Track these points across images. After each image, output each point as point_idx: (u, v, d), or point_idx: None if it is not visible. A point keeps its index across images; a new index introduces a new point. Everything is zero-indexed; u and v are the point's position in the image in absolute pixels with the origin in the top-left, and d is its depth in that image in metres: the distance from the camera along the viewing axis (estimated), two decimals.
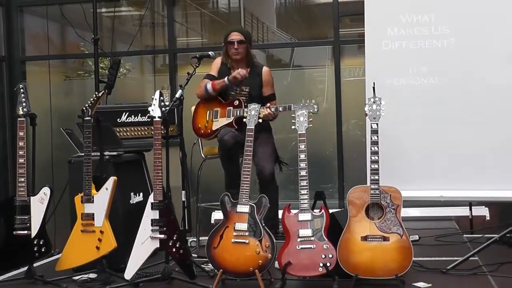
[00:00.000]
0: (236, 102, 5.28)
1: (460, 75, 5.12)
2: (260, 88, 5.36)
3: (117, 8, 7.73)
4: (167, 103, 4.54)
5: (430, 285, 4.20)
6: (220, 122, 5.32)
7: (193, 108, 5.59)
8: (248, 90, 5.32)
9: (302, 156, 4.30)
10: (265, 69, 5.43)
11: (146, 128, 5.58)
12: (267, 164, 5.16)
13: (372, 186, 4.18)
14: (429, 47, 5.17)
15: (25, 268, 4.63)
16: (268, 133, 5.37)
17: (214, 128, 5.31)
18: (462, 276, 4.41)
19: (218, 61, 5.44)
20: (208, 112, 5.39)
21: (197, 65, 5.10)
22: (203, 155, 5.68)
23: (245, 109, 4.99)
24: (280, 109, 5.10)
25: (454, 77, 5.13)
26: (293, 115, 4.39)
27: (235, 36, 5.35)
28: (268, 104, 5.19)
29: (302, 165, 4.28)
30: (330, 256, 4.16)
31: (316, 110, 4.67)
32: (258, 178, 5.17)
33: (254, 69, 5.39)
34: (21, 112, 4.65)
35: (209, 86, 5.34)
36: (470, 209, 5.99)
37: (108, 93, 6.25)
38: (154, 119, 4.44)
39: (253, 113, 4.50)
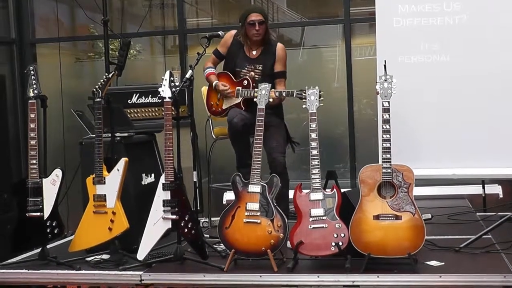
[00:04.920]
0: (245, 82, 5.24)
1: (472, 52, 5.07)
2: (273, 66, 5.32)
3: None
4: (177, 84, 4.53)
5: (443, 263, 4.20)
6: (229, 102, 5.29)
7: (203, 88, 5.58)
8: (262, 68, 5.28)
9: (313, 135, 4.28)
10: (279, 45, 5.37)
11: (156, 109, 5.57)
12: (279, 155, 5.12)
13: (384, 165, 4.17)
14: (441, 24, 5.12)
15: (39, 250, 4.65)
16: (280, 119, 5.31)
17: (224, 107, 5.30)
18: (475, 254, 4.39)
19: (228, 37, 5.38)
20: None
21: (207, 45, 5.08)
22: (213, 136, 5.67)
23: (254, 90, 5.00)
24: (284, 94, 5.05)
25: (466, 54, 5.08)
26: (304, 94, 4.37)
27: (256, 17, 5.24)
28: (273, 90, 5.11)
29: (314, 144, 4.27)
30: (342, 235, 4.15)
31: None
32: (270, 168, 5.15)
33: (269, 47, 5.34)
34: (31, 94, 4.65)
35: (205, 74, 5.34)
36: (483, 187, 5.97)
37: (118, 74, 6.24)
38: (165, 100, 4.43)
39: (263, 93, 4.48)
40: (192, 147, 5.00)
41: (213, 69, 5.37)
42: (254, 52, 5.31)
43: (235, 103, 5.24)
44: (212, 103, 5.38)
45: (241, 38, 5.33)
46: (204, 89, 5.54)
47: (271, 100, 4.50)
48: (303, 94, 4.56)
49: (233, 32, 5.37)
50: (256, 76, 5.24)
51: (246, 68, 5.27)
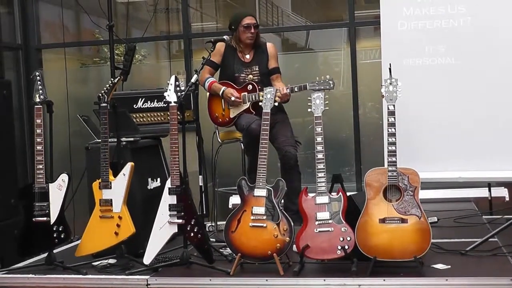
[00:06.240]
0: (250, 87, 5.30)
1: (476, 54, 5.07)
2: (267, 64, 5.38)
3: None
4: (182, 88, 4.54)
5: (449, 266, 4.19)
6: (236, 109, 5.32)
7: (207, 94, 5.59)
8: (258, 68, 5.35)
9: (319, 139, 4.28)
10: (269, 44, 5.50)
11: (162, 114, 5.60)
12: (290, 148, 5.17)
13: (390, 168, 4.16)
14: (445, 26, 5.13)
15: (45, 255, 4.66)
16: (285, 115, 5.38)
17: (232, 116, 5.33)
18: (481, 257, 4.38)
19: (220, 45, 5.39)
20: (222, 100, 5.38)
21: (212, 49, 5.10)
22: (219, 140, 5.68)
23: (260, 93, 5.01)
24: (296, 89, 5.10)
25: (470, 56, 5.09)
26: (309, 97, 4.37)
27: (251, 21, 5.34)
28: (283, 88, 5.16)
29: (319, 148, 4.26)
30: (348, 238, 4.15)
31: (332, 86, 4.67)
32: (282, 163, 5.17)
33: (260, 48, 5.41)
34: (37, 100, 4.66)
35: (206, 85, 5.37)
36: (489, 190, 5.95)
37: (124, 79, 6.27)
38: (170, 105, 4.44)
39: (269, 97, 4.49)
40: (198, 152, 5.01)
41: (213, 78, 5.42)
42: (247, 56, 5.41)
43: (243, 109, 5.27)
44: (217, 114, 5.41)
45: (233, 43, 5.38)
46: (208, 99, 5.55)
47: (276, 104, 4.51)
48: (317, 86, 4.60)
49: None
50: (255, 77, 5.31)
51: (244, 73, 5.34)
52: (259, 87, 5.23)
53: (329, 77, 4.70)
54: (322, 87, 4.78)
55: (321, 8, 8.05)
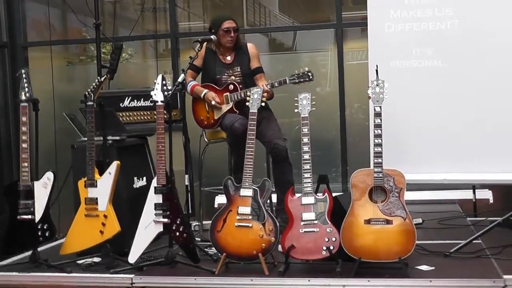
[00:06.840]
0: (231, 87, 5.30)
1: (464, 57, 5.08)
2: (249, 64, 5.39)
3: None
4: (169, 88, 4.53)
5: (433, 268, 4.21)
6: (220, 110, 5.32)
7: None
8: (240, 69, 5.35)
9: (305, 139, 4.29)
10: (249, 44, 5.49)
11: (149, 113, 5.58)
12: (279, 140, 5.18)
13: (376, 169, 4.18)
14: (433, 29, 5.13)
15: (30, 253, 4.65)
16: (270, 111, 5.38)
17: (216, 117, 5.33)
18: (465, 259, 4.41)
19: (202, 49, 5.39)
20: (206, 102, 5.39)
21: (199, 49, 5.11)
22: (206, 139, 5.67)
23: (242, 92, 5.04)
24: (276, 84, 5.10)
25: (458, 59, 5.09)
26: (296, 98, 4.38)
27: (231, 24, 5.32)
28: (264, 84, 5.16)
29: (305, 148, 4.28)
30: (334, 239, 4.16)
31: (311, 77, 4.69)
32: (273, 156, 5.17)
33: (240, 49, 5.41)
34: (23, 98, 4.65)
35: (189, 88, 5.36)
36: (474, 192, 5.99)
37: (110, 78, 6.26)
38: (157, 104, 4.44)
39: (255, 97, 4.50)
40: (184, 151, 5.01)
41: (195, 81, 5.42)
42: (228, 58, 5.40)
43: (227, 109, 5.27)
44: (201, 117, 5.40)
45: (213, 46, 5.37)
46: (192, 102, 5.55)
47: (263, 104, 4.51)
48: (296, 79, 4.59)
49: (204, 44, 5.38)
50: (237, 79, 5.31)
51: (225, 74, 5.34)
52: (241, 86, 5.25)
53: (307, 69, 4.73)
54: (302, 80, 4.84)
55: (308, 9, 8.06)
